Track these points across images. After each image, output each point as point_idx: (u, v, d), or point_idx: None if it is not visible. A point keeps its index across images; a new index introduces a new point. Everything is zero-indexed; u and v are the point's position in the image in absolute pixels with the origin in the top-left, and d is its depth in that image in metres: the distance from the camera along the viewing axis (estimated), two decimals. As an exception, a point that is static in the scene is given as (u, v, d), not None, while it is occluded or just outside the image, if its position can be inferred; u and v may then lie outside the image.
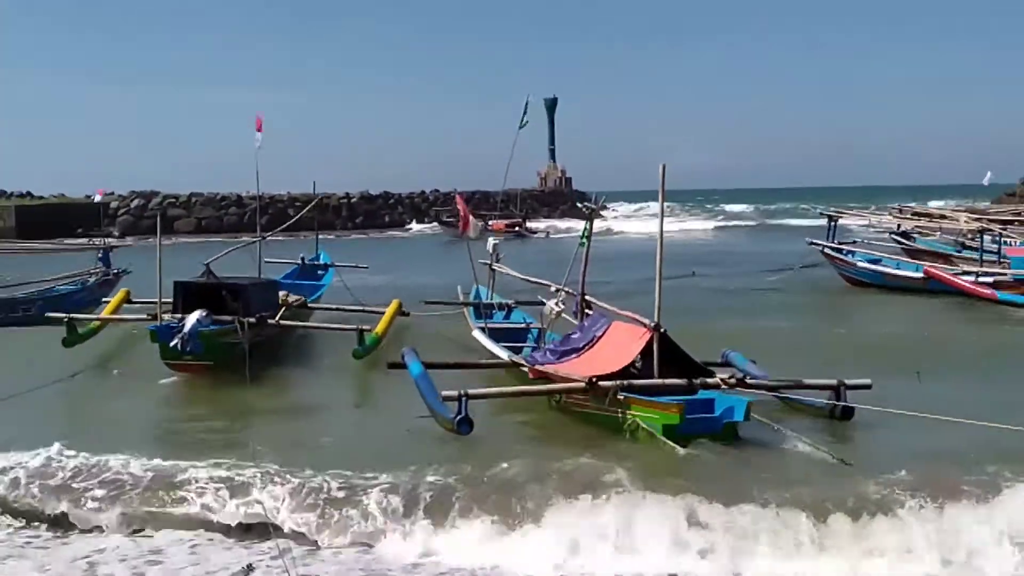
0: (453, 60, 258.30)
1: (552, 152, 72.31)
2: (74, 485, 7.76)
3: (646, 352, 8.63)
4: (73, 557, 6.81)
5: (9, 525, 7.60)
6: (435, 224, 50.12)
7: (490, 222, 43.91)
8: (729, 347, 10.39)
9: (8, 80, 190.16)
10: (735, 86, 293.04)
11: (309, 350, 13.40)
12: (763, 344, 11.12)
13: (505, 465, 7.36)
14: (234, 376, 11.35)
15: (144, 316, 12.79)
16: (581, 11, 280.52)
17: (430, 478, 7.22)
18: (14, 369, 12.04)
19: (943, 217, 25.14)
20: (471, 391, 8.21)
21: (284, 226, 20.41)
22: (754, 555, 6.06)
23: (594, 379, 8.28)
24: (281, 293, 13.91)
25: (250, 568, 6.24)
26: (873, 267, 19.56)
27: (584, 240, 10.91)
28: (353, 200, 58.28)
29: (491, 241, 15.13)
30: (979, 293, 16.18)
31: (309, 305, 14.08)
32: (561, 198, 66.15)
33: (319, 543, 6.88)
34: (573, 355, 9.50)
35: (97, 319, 13.58)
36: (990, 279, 16.93)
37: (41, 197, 56.07)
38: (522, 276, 14.28)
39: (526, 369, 9.72)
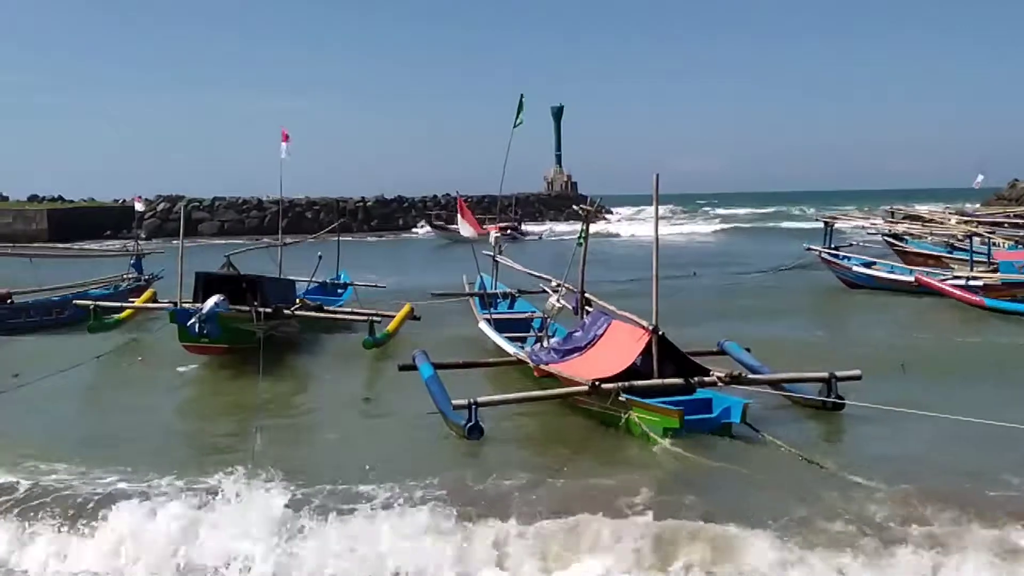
0: (469, 67, 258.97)
1: (558, 157, 72.43)
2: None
3: (645, 350, 8.62)
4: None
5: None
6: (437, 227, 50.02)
7: (484, 226, 44.06)
8: (725, 337, 10.49)
9: (41, 89, 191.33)
10: (731, 93, 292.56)
11: (322, 348, 13.48)
12: (764, 344, 11.07)
13: (506, 480, 6.94)
14: (248, 366, 11.41)
15: (167, 304, 13.00)
16: (599, 20, 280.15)
17: (425, 491, 6.68)
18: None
19: (933, 221, 25.00)
20: (480, 400, 8.19)
21: (310, 238, 20.60)
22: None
23: (597, 382, 8.27)
24: (300, 300, 14.19)
25: None
26: (867, 271, 19.60)
27: (581, 240, 10.95)
28: (369, 204, 58.44)
29: (493, 234, 15.32)
30: (968, 300, 16.15)
31: (325, 309, 14.20)
32: (566, 202, 66.12)
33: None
34: (575, 354, 9.49)
35: (122, 306, 13.82)
36: (980, 283, 16.89)
37: (72, 201, 56.40)
38: (524, 269, 14.34)
39: (531, 365, 9.75)
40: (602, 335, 9.43)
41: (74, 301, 14.06)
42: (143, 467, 7.49)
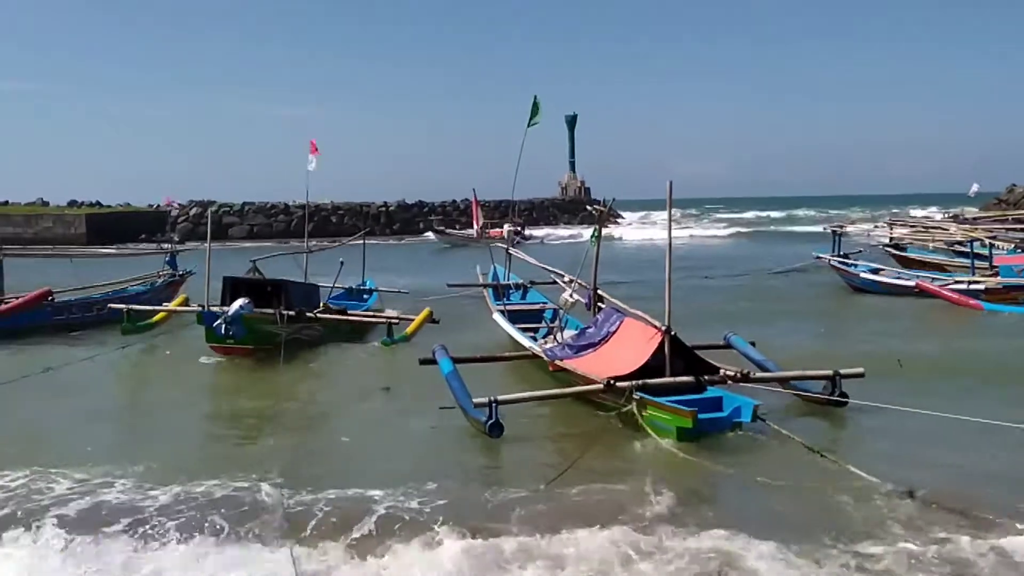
0: (486, 71, 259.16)
1: (572, 164, 72.39)
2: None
3: (657, 350, 8.60)
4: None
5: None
6: (458, 230, 50.07)
7: (487, 230, 44.30)
8: (730, 330, 10.54)
9: (80, 97, 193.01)
10: (734, 95, 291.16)
11: (343, 346, 13.46)
12: (769, 343, 11.03)
13: (513, 488, 6.63)
14: (270, 364, 11.55)
15: (196, 307, 13.13)
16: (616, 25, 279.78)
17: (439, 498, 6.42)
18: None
19: (938, 228, 24.96)
20: (500, 397, 8.15)
21: (334, 245, 20.58)
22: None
23: (612, 381, 8.27)
24: (324, 304, 14.20)
25: None
26: (874, 277, 19.63)
27: (594, 240, 10.93)
28: (391, 208, 58.54)
29: (507, 227, 15.42)
30: (967, 305, 16.09)
31: (348, 313, 14.24)
32: (580, 206, 66.15)
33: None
34: (589, 350, 9.52)
35: (155, 310, 13.92)
36: (981, 287, 16.83)
37: (109, 206, 56.76)
38: (537, 263, 14.32)
39: (547, 360, 9.78)
40: (615, 332, 9.45)
41: (109, 305, 14.18)
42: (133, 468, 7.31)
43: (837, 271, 20.73)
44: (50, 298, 15.74)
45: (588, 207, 61.36)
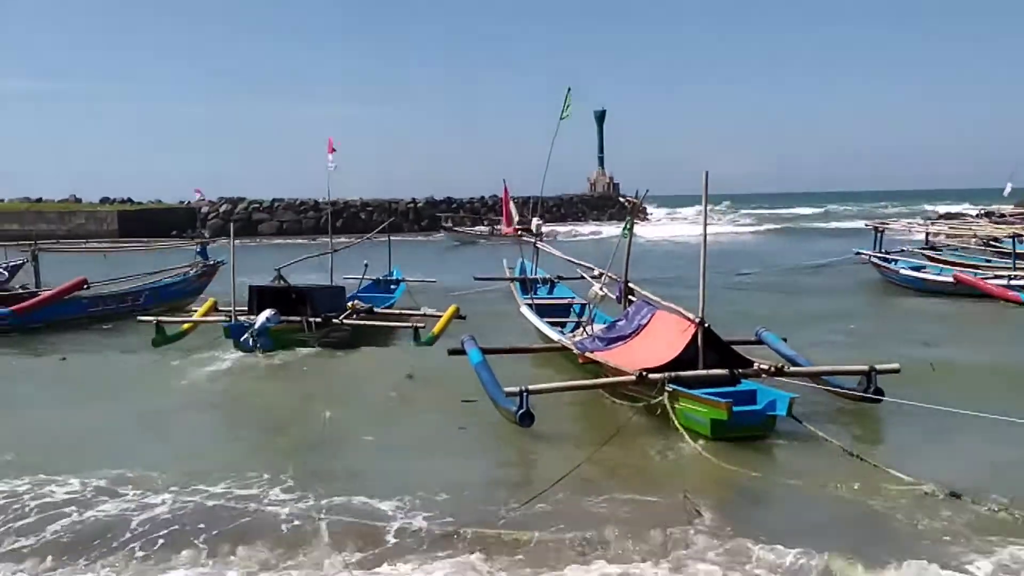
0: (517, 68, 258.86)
1: (601, 160, 72.01)
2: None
3: (691, 342, 8.45)
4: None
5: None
6: (487, 225, 49.69)
7: (497, 227, 44.00)
8: (762, 326, 10.34)
9: (114, 96, 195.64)
10: (760, 90, 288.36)
11: (374, 352, 13.09)
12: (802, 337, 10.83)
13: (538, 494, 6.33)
14: (294, 365, 11.66)
15: (224, 318, 13.05)
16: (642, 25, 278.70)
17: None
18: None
19: (975, 222, 24.56)
20: (531, 387, 8.01)
21: (359, 241, 20.29)
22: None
23: (644, 372, 8.12)
24: (352, 303, 13.98)
25: None
26: (914, 274, 19.36)
27: (626, 232, 10.81)
28: (419, 205, 58.63)
29: (535, 221, 15.25)
30: (1006, 297, 15.75)
31: (375, 311, 14.12)
32: (609, 202, 65.88)
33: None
34: (620, 342, 9.39)
35: (183, 321, 13.79)
36: (1021, 282, 16.50)
37: (140, 203, 57.36)
38: (565, 257, 14.09)
39: (576, 352, 9.65)
40: (647, 324, 9.32)
41: (138, 318, 14.09)
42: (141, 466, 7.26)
43: (877, 268, 20.59)
44: (86, 286, 15.98)
45: (620, 198, 61.14)
